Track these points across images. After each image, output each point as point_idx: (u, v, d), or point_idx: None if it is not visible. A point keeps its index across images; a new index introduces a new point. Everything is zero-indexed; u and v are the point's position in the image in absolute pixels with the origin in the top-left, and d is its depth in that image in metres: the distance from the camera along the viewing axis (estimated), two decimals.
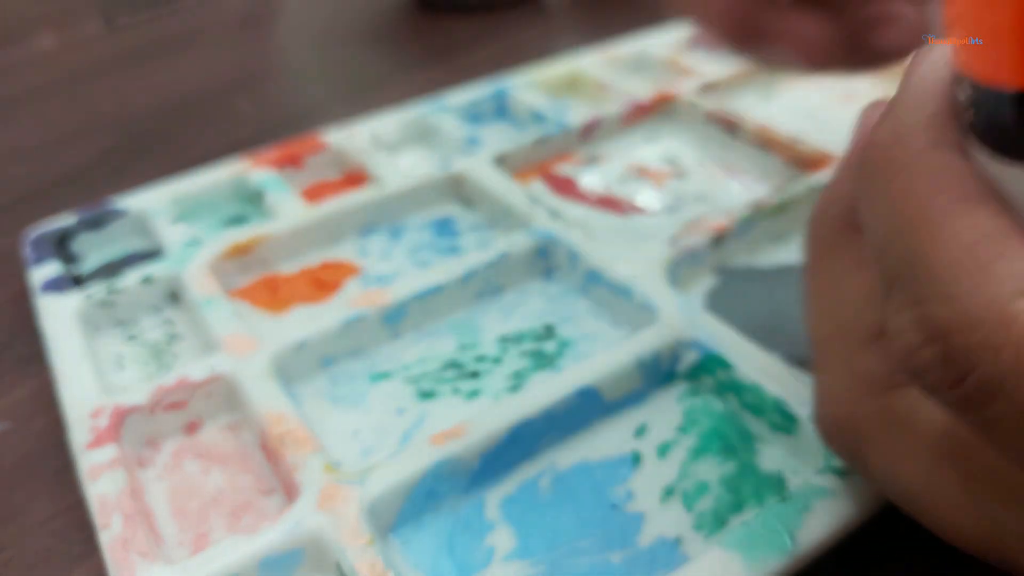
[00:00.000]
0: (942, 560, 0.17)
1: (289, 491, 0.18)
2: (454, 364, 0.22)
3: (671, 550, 0.17)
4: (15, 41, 0.49)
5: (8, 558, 0.18)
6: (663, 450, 0.19)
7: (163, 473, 0.19)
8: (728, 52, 0.19)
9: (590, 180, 0.29)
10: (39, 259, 0.25)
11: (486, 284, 0.24)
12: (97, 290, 0.24)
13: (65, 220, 0.27)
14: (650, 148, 0.31)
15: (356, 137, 0.30)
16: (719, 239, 0.24)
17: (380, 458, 0.19)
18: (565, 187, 0.29)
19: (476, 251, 0.24)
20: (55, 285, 0.24)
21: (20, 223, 0.30)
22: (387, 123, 0.31)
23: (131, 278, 0.24)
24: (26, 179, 0.34)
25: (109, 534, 0.17)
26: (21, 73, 0.45)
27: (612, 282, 0.22)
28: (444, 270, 0.23)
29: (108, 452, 0.18)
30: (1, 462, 0.21)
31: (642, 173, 0.29)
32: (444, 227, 0.27)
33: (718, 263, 0.24)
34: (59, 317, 0.23)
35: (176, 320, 0.24)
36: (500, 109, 0.33)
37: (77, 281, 0.26)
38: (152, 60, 0.45)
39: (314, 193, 0.29)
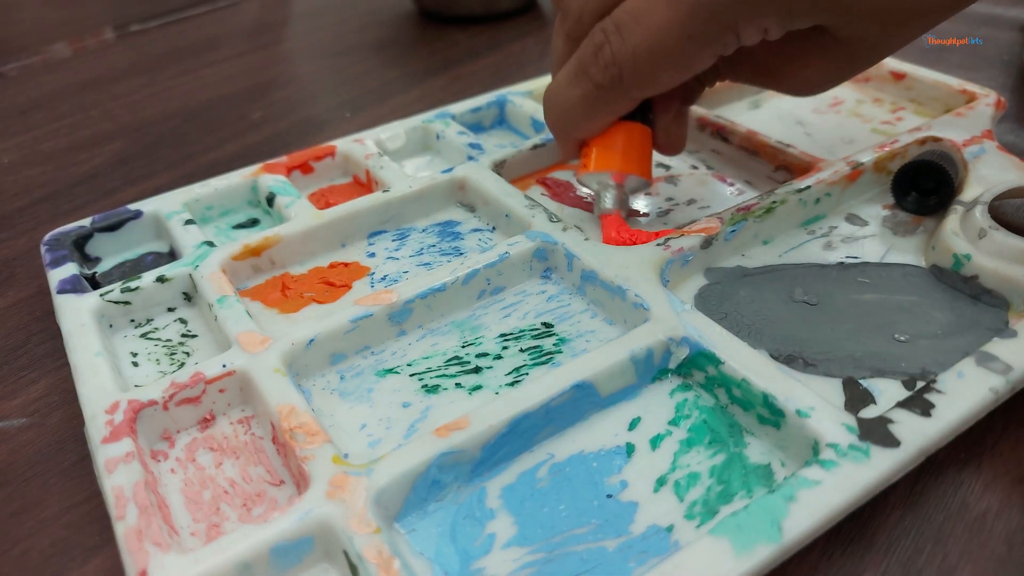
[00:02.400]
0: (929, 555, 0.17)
1: (299, 482, 0.18)
2: (457, 360, 0.22)
3: (663, 538, 0.17)
4: (32, 49, 0.49)
5: (25, 549, 0.19)
6: (655, 442, 0.19)
7: (177, 466, 0.19)
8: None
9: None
10: (56, 260, 0.25)
11: (487, 284, 0.24)
12: (113, 290, 0.24)
13: (82, 222, 0.27)
14: None
15: (364, 144, 0.31)
16: (709, 241, 0.24)
17: (386, 450, 0.19)
18: (562, 192, 0.29)
19: (478, 253, 0.25)
20: (72, 285, 0.24)
21: (38, 225, 0.31)
22: (393, 130, 0.31)
23: (146, 278, 0.24)
24: (43, 182, 0.34)
25: (124, 525, 0.17)
26: (38, 80, 0.45)
27: (607, 282, 0.23)
28: (447, 271, 0.23)
29: (124, 446, 0.18)
30: (18, 456, 0.21)
31: None
32: (447, 230, 0.27)
33: (708, 264, 0.25)
34: (76, 316, 0.23)
35: (190, 319, 0.24)
36: (500, 118, 0.34)
37: (93, 281, 0.26)
38: (165, 69, 0.45)
39: (323, 197, 0.30)
